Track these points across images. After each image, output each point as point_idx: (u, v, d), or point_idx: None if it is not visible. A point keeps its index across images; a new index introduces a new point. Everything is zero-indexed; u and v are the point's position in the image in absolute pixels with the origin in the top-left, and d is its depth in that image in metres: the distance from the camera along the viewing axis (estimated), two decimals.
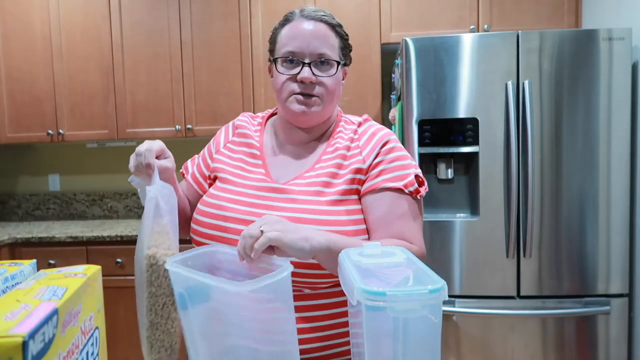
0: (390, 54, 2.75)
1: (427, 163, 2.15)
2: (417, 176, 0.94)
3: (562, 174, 2.01)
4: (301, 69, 0.93)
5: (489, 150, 2.03)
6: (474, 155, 2.07)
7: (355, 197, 0.94)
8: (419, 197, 0.94)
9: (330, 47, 0.95)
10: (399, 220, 0.91)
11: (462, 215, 2.12)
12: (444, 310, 1.83)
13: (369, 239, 0.92)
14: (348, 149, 0.96)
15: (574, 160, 2.00)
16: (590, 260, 2.01)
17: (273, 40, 1.00)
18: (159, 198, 0.79)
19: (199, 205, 0.98)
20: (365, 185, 0.93)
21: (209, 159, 1.06)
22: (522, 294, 2.04)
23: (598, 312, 2.00)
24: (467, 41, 2.02)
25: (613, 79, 1.97)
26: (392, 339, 0.54)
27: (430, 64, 2.04)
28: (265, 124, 1.08)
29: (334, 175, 0.93)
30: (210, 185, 1.04)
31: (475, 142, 2.04)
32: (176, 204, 0.84)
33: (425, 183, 0.96)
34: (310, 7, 0.99)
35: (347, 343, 0.95)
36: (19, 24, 2.73)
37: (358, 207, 0.93)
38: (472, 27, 2.52)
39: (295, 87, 0.94)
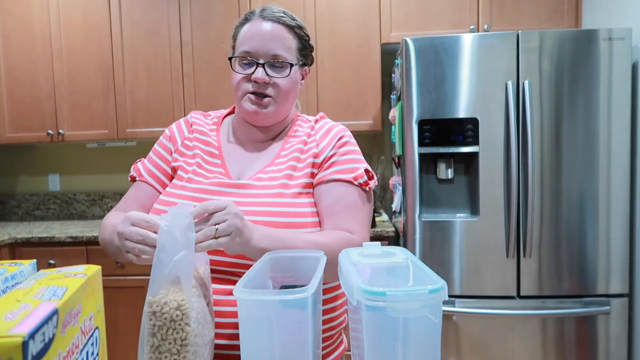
0: (390, 54, 2.75)
1: (427, 163, 2.15)
2: (367, 171, 0.97)
3: (562, 174, 2.01)
4: (255, 69, 0.95)
5: (489, 150, 2.03)
6: (474, 155, 2.07)
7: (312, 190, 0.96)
8: (367, 188, 0.97)
9: (286, 49, 0.96)
10: (345, 210, 0.93)
11: (462, 215, 2.12)
12: (444, 310, 1.83)
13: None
14: (305, 143, 0.99)
15: (574, 160, 2.00)
16: (590, 260, 2.01)
17: (234, 38, 1.01)
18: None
19: (155, 205, 0.95)
20: (317, 177, 0.96)
21: (168, 155, 1.03)
22: (522, 294, 2.04)
23: (598, 312, 2.00)
24: (467, 41, 2.02)
25: (613, 79, 1.97)
26: (392, 339, 0.54)
27: (430, 64, 2.04)
28: (221, 123, 1.08)
29: (294, 168, 0.95)
30: (170, 179, 1.02)
31: (475, 142, 2.04)
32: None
33: (375, 178, 0.99)
34: (273, 6, 1.00)
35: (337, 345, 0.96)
36: (19, 24, 2.73)
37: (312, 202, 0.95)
38: (472, 27, 2.52)
39: (249, 86, 0.96)
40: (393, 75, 2.47)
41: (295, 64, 0.98)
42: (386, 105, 2.86)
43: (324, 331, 0.91)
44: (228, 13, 2.65)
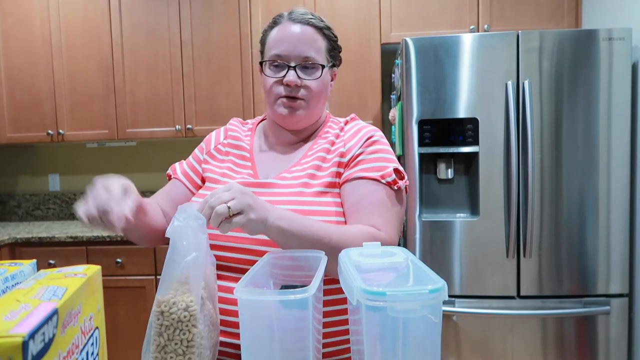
0: (390, 54, 2.75)
1: (427, 163, 2.15)
2: (397, 170, 0.94)
3: (562, 174, 2.01)
4: (287, 72, 0.95)
5: (489, 150, 2.03)
6: (474, 155, 2.07)
7: (338, 189, 0.95)
8: (396, 187, 0.94)
9: (317, 50, 0.96)
10: (371, 207, 0.91)
11: (462, 215, 2.12)
12: (444, 310, 1.82)
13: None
14: (332, 143, 0.99)
15: (574, 160, 2.00)
16: (590, 260, 2.01)
17: (262, 42, 1.02)
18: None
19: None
20: (344, 175, 0.95)
21: (200, 156, 1.07)
22: (522, 294, 2.04)
23: (598, 312, 2.00)
24: (467, 41, 2.02)
25: (613, 79, 1.97)
26: (392, 339, 0.54)
27: (430, 64, 2.04)
28: (255, 129, 1.10)
29: (318, 168, 0.95)
30: (202, 182, 1.05)
31: (475, 142, 2.04)
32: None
33: (406, 177, 0.97)
34: (299, 9, 1.00)
35: (342, 342, 0.95)
36: (19, 24, 2.73)
37: (336, 201, 0.95)
38: (472, 27, 2.52)
39: (281, 90, 0.96)
40: (393, 75, 2.47)
41: (326, 65, 0.98)
42: (386, 105, 2.86)
43: (327, 335, 0.91)
44: (228, 13, 2.65)
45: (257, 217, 0.74)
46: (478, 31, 2.51)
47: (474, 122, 2.04)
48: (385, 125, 2.78)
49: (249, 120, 1.14)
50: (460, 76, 2.03)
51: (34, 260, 0.65)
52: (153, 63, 2.70)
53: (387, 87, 2.86)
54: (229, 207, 0.71)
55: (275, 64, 0.96)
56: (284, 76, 0.95)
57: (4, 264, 0.62)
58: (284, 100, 0.96)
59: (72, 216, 3.13)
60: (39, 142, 2.81)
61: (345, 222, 0.93)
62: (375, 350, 0.54)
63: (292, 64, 0.95)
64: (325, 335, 0.90)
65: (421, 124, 2.07)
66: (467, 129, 2.05)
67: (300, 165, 0.96)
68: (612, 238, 2.00)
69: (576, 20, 2.49)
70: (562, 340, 2.03)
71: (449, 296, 2.04)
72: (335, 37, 1.02)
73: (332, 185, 0.94)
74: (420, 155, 2.08)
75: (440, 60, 2.04)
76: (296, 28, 0.96)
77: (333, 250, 0.77)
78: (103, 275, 0.58)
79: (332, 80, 1.04)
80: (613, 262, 2.00)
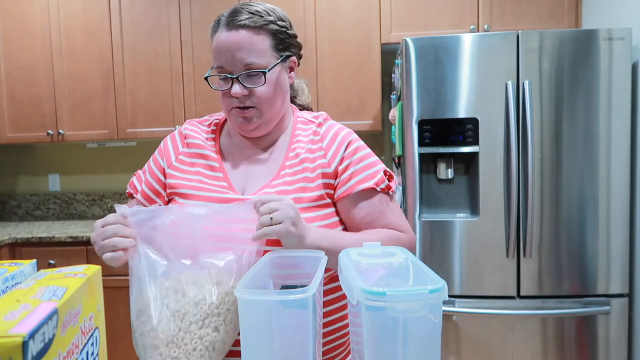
0: (390, 54, 2.75)
1: (427, 163, 2.15)
2: (385, 172, 0.97)
3: (562, 174, 2.01)
4: (232, 84, 0.91)
5: (489, 150, 2.03)
6: (474, 155, 2.07)
7: (327, 201, 0.93)
8: (390, 192, 0.98)
9: (258, 54, 0.90)
10: (382, 215, 0.95)
11: (462, 215, 2.12)
12: (444, 310, 1.82)
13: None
14: (311, 151, 0.95)
15: (574, 160, 2.00)
16: (590, 260, 2.01)
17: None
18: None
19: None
20: (340, 191, 0.94)
21: (160, 175, 1.00)
22: (522, 294, 2.04)
23: (598, 312, 2.00)
24: (467, 41, 2.02)
25: (613, 79, 1.97)
26: (392, 339, 0.54)
27: (430, 64, 2.04)
28: (219, 130, 1.04)
29: (305, 183, 0.92)
30: (166, 203, 0.99)
31: (475, 142, 2.04)
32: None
33: (394, 176, 0.99)
34: (241, 8, 0.93)
35: (342, 343, 0.96)
36: (19, 24, 2.73)
37: (331, 210, 0.94)
38: (472, 27, 2.52)
39: (232, 101, 0.93)
40: (393, 75, 2.47)
41: (272, 67, 0.92)
42: (386, 105, 2.86)
43: (327, 335, 0.91)
44: None
45: (296, 233, 0.77)
46: (478, 31, 2.51)
47: (474, 122, 2.04)
48: (385, 125, 2.78)
49: (208, 118, 1.08)
50: (460, 76, 2.03)
51: (34, 260, 0.65)
52: (153, 63, 2.70)
53: (387, 87, 2.86)
54: (271, 218, 0.75)
55: (221, 77, 0.93)
56: (230, 88, 0.92)
57: (4, 264, 0.62)
58: (237, 110, 0.93)
59: (72, 216, 3.13)
60: (39, 142, 2.81)
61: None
62: (375, 350, 0.54)
63: (235, 75, 0.91)
64: (325, 335, 0.91)
65: (421, 124, 2.07)
66: (467, 129, 2.05)
67: (280, 179, 0.93)
68: (612, 238, 2.00)
69: (576, 20, 2.49)
70: (562, 340, 2.03)
71: (449, 296, 2.04)
72: (283, 27, 0.95)
73: (319, 198, 0.92)
74: (420, 155, 2.08)
75: (440, 60, 2.03)
76: (232, 36, 0.90)
77: None
78: (103, 275, 0.58)
79: (291, 71, 1.00)
80: (613, 262, 2.00)
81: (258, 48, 0.91)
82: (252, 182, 0.95)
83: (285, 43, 0.96)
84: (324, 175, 0.93)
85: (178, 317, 0.68)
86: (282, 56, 0.95)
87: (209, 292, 0.70)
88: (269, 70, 0.91)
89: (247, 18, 0.90)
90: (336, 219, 0.94)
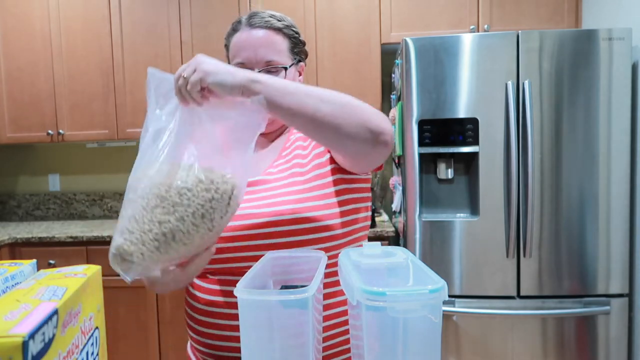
0: (390, 54, 2.75)
1: (427, 163, 2.15)
2: None
3: (562, 174, 2.01)
4: None
5: (489, 150, 2.03)
6: (474, 155, 2.07)
7: (329, 179, 0.94)
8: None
9: (278, 53, 0.97)
10: None
11: (462, 215, 2.12)
12: (444, 310, 1.83)
13: (346, 222, 0.93)
14: (304, 148, 0.99)
15: (574, 160, 2.00)
16: (590, 260, 2.01)
17: (227, 48, 1.02)
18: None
19: None
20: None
21: None
22: (522, 294, 2.04)
23: (598, 312, 2.00)
24: (467, 41, 2.02)
25: (613, 79, 1.97)
26: (392, 339, 0.54)
27: (430, 64, 2.04)
28: None
29: (301, 160, 0.95)
30: None
31: (475, 142, 2.04)
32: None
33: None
34: (258, 12, 1.00)
35: (342, 342, 0.96)
36: (19, 24, 2.73)
37: (331, 190, 0.94)
38: (472, 27, 2.52)
39: None
40: (393, 75, 2.47)
41: (290, 66, 0.98)
42: (386, 105, 2.86)
43: (327, 335, 0.91)
44: (228, 13, 2.65)
45: (214, 67, 0.75)
46: (478, 31, 2.51)
47: (474, 122, 2.04)
48: None
49: None
50: (460, 76, 2.03)
51: (34, 260, 0.65)
52: (153, 63, 2.69)
53: (387, 87, 2.86)
54: (184, 76, 0.75)
55: None
56: None
57: (4, 264, 0.62)
58: None
59: (72, 216, 3.14)
60: (39, 142, 2.82)
61: (344, 210, 0.94)
62: (375, 350, 0.54)
63: (256, 70, 0.94)
64: (325, 335, 0.91)
65: (421, 124, 2.07)
66: (467, 129, 2.05)
67: (282, 158, 0.98)
68: (612, 238, 2.00)
69: (576, 20, 2.49)
70: (562, 340, 2.03)
71: (449, 296, 2.05)
72: (297, 33, 1.02)
73: (319, 166, 0.94)
74: (420, 155, 2.08)
75: (440, 61, 2.03)
76: (255, 33, 0.96)
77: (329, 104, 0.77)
78: (103, 275, 0.58)
79: (299, 75, 1.06)
80: (613, 262, 2.00)
81: (278, 47, 0.97)
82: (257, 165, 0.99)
83: (298, 48, 1.03)
84: (317, 155, 0.96)
85: (161, 187, 0.70)
86: (296, 59, 1.01)
87: (193, 180, 0.70)
88: (288, 67, 0.97)
89: (267, 20, 0.97)
90: (334, 199, 0.94)
